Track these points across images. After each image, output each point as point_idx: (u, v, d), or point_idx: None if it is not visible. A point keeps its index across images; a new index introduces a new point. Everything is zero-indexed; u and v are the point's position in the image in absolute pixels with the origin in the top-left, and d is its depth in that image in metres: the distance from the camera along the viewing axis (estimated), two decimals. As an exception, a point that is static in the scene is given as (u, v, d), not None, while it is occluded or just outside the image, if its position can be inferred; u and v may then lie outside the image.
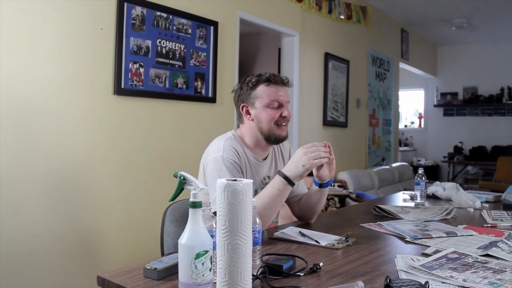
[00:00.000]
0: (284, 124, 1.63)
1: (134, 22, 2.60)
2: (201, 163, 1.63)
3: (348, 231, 1.66)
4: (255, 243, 1.10)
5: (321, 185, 1.63)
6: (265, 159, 1.70)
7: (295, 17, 4.06)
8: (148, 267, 1.08)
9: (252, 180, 0.93)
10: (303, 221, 1.79)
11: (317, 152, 1.45)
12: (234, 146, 1.59)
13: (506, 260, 1.24)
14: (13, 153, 2.10)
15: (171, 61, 2.83)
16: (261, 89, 1.60)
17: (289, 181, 1.46)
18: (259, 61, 6.11)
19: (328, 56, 4.65)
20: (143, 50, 2.66)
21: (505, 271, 1.14)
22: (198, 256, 0.90)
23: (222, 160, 1.52)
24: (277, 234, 1.51)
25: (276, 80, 1.60)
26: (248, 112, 1.63)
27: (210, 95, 3.12)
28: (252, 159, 1.64)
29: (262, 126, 1.61)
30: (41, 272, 2.21)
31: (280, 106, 1.61)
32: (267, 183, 1.66)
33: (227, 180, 0.91)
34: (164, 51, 2.78)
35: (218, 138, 1.64)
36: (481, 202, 2.31)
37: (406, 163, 6.53)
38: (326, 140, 1.56)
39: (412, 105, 8.78)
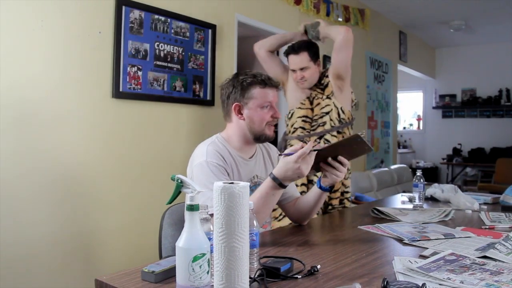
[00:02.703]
0: (273, 124, 1.68)
1: (132, 25, 2.61)
2: (187, 169, 1.64)
3: (346, 233, 1.66)
4: (252, 246, 1.10)
5: (324, 188, 1.64)
6: (251, 157, 1.72)
7: (293, 20, 4.07)
8: (146, 270, 1.09)
9: (248, 183, 0.93)
10: (297, 223, 1.80)
11: (310, 161, 1.44)
12: (218, 149, 1.60)
13: (503, 262, 1.25)
14: (12, 156, 2.10)
15: (169, 64, 2.83)
16: (256, 90, 1.62)
17: (281, 184, 1.46)
18: (257, 63, 6.09)
19: (326, 59, 4.65)
20: (141, 53, 2.66)
21: (503, 272, 1.15)
22: (195, 259, 0.90)
23: (206, 165, 1.54)
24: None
25: (271, 83, 1.65)
26: (240, 112, 1.64)
27: (208, 98, 3.13)
28: (239, 158, 1.66)
29: (253, 126, 1.64)
30: (39, 275, 2.20)
31: (271, 107, 1.65)
32: (256, 182, 1.67)
33: (223, 183, 0.91)
34: (162, 54, 2.79)
35: (202, 143, 1.66)
36: (480, 204, 2.31)
37: (405, 165, 6.53)
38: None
39: (410, 107, 8.80)
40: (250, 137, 1.66)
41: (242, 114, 1.64)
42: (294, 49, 2.51)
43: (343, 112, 2.51)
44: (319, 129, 2.50)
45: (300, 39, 2.64)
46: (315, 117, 2.52)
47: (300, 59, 2.49)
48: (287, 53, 2.55)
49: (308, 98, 2.58)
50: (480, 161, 7.36)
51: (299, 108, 2.57)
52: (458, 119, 7.99)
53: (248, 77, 1.63)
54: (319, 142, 2.44)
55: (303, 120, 2.54)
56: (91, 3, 2.41)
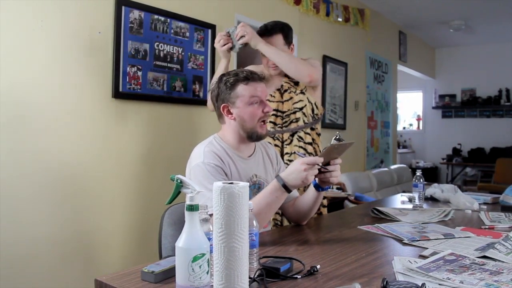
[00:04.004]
0: (265, 121, 1.68)
1: (132, 25, 2.61)
2: (186, 171, 1.64)
3: (346, 233, 1.66)
4: (252, 246, 1.10)
5: (321, 189, 1.64)
6: (250, 156, 1.72)
7: (293, 20, 4.07)
8: (146, 270, 1.09)
9: (248, 183, 0.93)
10: (296, 223, 1.80)
11: (316, 170, 1.48)
12: (215, 150, 1.61)
13: (503, 262, 1.25)
14: (11, 156, 2.10)
15: (169, 65, 2.84)
16: (241, 88, 1.61)
17: (287, 189, 1.48)
18: (257, 64, 6.12)
19: (326, 59, 4.66)
20: (141, 53, 2.66)
21: (502, 272, 1.15)
22: (195, 259, 0.90)
23: (204, 166, 1.54)
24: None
25: (254, 77, 1.63)
26: (229, 112, 1.64)
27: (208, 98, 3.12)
28: (237, 157, 1.66)
29: (245, 124, 1.63)
30: (39, 274, 2.20)
31: (261, 102, 1.64)
32: (255, 182, 1.68)
33: (223, 183, 0.91)
34: (162, 55, 2.79)
35: (200, 145, 1.67)
36: (479, 203, 2.31)
37: (404, 165, 6.54)
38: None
39: (410, 107, 8.80)
40: (244, 136, 1.66)
41: (232, 114, 1.64)
42: (267, 30, 2.23)
43: (316, 107, 2.33)
44: (293, 125, 2.26)
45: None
46: (288, 112, 2.25)
47: (274, 42, 2.21)
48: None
49: (278, 90, 2.28)
50: (480, 161, 7.37)
51: (268, 100, 2.18)
52: (458, 119, 7.99)
53: (230, 77, 1.63)
54: (292, 140, 2.26)
55: (273, 114, 2.24)
56: (91, 3, 2.41)
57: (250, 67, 2.33)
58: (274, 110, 2.24)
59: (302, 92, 2.27)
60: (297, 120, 2.25)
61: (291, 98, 2.25)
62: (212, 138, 1.68)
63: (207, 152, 1.58)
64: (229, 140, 1.68)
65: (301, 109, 2.25)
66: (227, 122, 1.67)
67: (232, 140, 1.67)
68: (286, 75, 2.27)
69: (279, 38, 2.23)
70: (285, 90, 2.27)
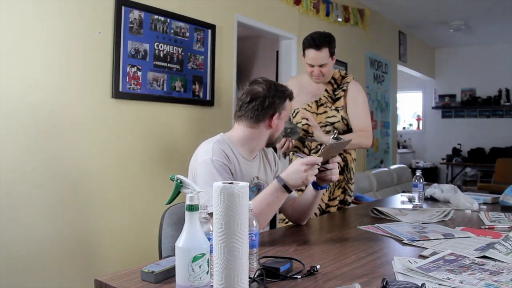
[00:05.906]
0: None
1: (132, 25, 2.61)
2: (190, 166, 1.64)
3: (346, 233, 1.67)
4: (252, 246, 1.10)
5: (319, 187, 1.65)
6: (253, 158, 1.75)
7: (293, 20, 4.07)
8: (146, 270, 1.09)
9: (248, 183, 0.93)
10: (296, 223, 1.81)
11: (316, 170, 1.50)
12: (223, 148, 1.62)
13: (503, 262, 1.25)
14: (11, 156, 2.10)
15: (169, 65, 2.83)
16: (287, 102, 1.72)
17: (287, 189, 1.49)
18: (257, 64, 6.12)
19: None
20: (141, 53, 2.66)
21: (502, 272, 1.15)
22: (195, 259, 0.90)
23: (211, 163, 1.54)
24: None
25: (293, 98, 1.77)
26: (272, 121, 1.68)
27: (208, 98, 3.12)
28: (242, 158, 1.68)
29: (275, 134, 1.74)
30: (39, 274, 2.20)
31: None
32: (256, 183, 1.69)
33: (223, 183, 0.91)
34: (162, 55, 2.79)
35: (207, 141, 1.67)
36: (479, 204, 2.31)
37: (404, 165, 6.53)
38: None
39: (410, 107, 8.80)
40: (264, 144, 1.73)
41: (274, 123, 1.69)
42: (316, 44, 2.31)
43: (347, 125, 2.46)
44: None
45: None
46: (320, 124, 2.38)
47: (322, 56, 2.32)
48: (306, 46, 2.36)
49: (316, 102, 2.44)
50: (480, 161, 7.37)
51: (305, 109, 2.44)
52: (458, 119, 7.99)
53: (286, 90, 1.71)
54: (319, 149, 2.39)
55: (306, 123, 2.40)
56: (91, 3, 2.41)
57: (293, 79, 2.60)
58: (308, 119, 2.38)
59: (336, 110, 2.41)
60: (327, 132, 2.37)
61: (325, 112, 2.41)
62: (220, 137, 1.69)
63: (216, 149, 1.59)
64: (240, 142, 1.69)
65: (332, 123, 2.39)
66: (261, 128, 1.69)
67: (244, 143, 1.69)
68: (326, 91, 2.43)
69: (325, 52, 2.32)
70: (322, 104, 2.43)
